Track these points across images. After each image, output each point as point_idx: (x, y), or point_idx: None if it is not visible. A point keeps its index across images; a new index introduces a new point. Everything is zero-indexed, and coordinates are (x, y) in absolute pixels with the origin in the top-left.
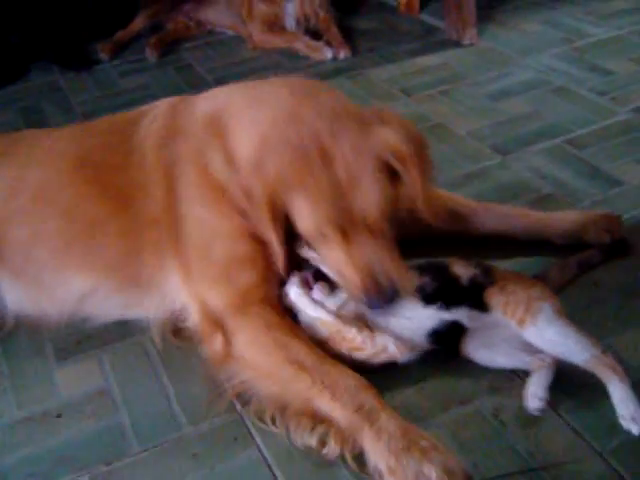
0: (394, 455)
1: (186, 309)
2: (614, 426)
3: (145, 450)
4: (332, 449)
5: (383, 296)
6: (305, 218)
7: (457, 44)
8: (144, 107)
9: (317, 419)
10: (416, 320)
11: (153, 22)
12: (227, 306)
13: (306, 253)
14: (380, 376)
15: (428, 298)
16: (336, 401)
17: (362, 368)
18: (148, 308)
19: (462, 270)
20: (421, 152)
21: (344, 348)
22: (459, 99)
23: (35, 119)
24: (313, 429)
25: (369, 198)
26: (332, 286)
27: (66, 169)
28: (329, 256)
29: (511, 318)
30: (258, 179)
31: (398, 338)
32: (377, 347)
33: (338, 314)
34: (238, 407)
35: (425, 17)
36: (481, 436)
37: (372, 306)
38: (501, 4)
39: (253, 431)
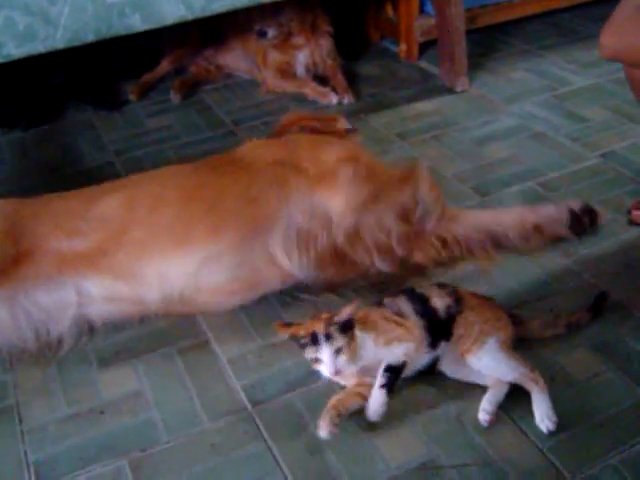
0: None
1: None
2: None
3: (173, 440)
4: None
5: None
6: None
7: (450, 90)
8: None
9: None
10: (413, 364)
11: (177, 66)
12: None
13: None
14: None
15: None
16: None
17: None
18: (268, 241)
19: (439, 302)
20: None
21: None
22: (448, 143)
23: (72, 156)
24: None
25: None
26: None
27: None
28: None
29: (460, 348)
30: None
31: None
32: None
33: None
34: (249, 407)
35: (423, 64)
36: (445, 433)
37: None
38: (492, 52)
39: (260, 426)
